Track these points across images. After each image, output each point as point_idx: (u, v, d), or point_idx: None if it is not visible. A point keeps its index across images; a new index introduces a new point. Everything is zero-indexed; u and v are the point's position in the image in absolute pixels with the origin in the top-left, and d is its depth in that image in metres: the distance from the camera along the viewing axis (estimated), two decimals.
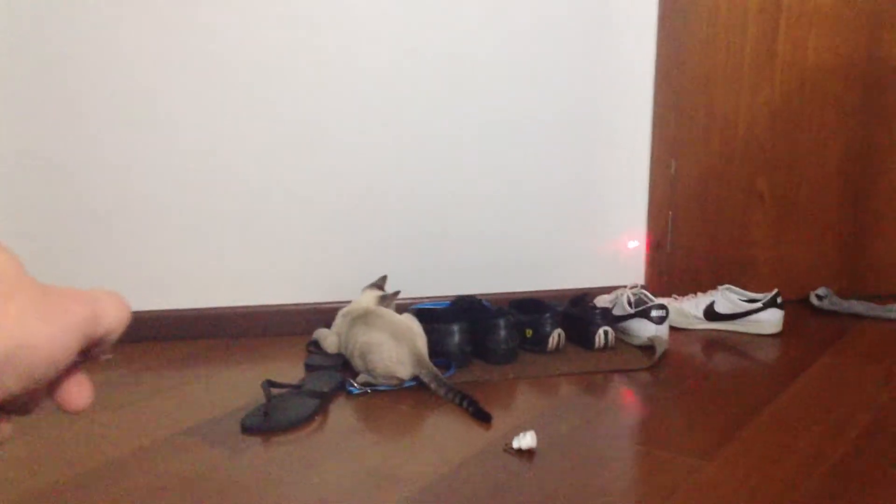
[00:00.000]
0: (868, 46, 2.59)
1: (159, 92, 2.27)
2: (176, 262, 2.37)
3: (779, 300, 2.39)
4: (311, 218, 2.41)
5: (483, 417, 1.76)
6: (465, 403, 1.80)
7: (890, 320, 2.52)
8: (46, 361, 0.37)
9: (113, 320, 0.41)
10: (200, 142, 2.32)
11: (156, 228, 2.34)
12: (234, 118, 2.32)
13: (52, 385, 0.41)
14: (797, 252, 2.71)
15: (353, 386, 1.94)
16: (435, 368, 1.93)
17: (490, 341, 2.12)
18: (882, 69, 2.61)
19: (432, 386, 1.89)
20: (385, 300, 2.16)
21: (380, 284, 2.27)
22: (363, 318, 2.03)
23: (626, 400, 1.91)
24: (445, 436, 1.69)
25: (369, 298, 2.16)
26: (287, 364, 2.17)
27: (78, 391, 0.41)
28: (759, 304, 2.39)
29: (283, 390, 1.88)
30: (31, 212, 2.27)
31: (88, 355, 0.42)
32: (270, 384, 1.83)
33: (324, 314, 2.38)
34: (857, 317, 2.56)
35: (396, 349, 1.93)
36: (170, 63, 2.26)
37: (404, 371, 1.92)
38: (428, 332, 2.05)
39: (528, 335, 2.20)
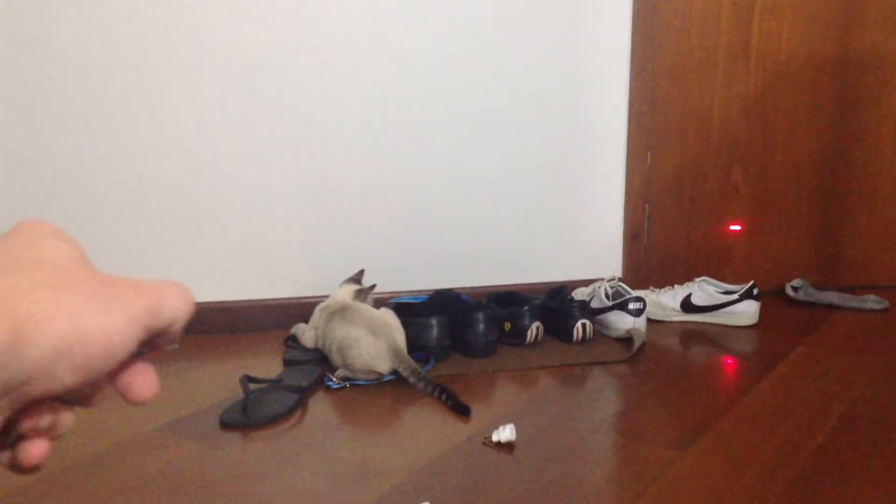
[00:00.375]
0: (841, 39, 2.61)
1: (144, 87, 2.26)
2: (154, 257, 2.35)
3: (755, 292, 2.41)
4: (290, 214, 2.40)
5: (462, 411, 1.76)
6: (444, 397, 1.81)
7: (864, 311, 2.55)
8: (104, 353, 0.36)
9: (175, 310, 0.40)
10: (176, 136, 2.30)
11: (134, 224, 2.32)
12: (208, 115, 2.30)
13: (115, 375, 0.40)
14: (772, 244, 2.74)
15: (331, 381, 1.94)
16: (414, 363, 1.93)
17: (469, 335, 2.12)
18: (854, 62, 2.64)
19: (411, 380, 1.89)
20: (361, 294, 2.16)
21: (357, 279, 2.27)
22: (340, 312, 2.03)
23: (604, 392, 1.92)
24: (424, 430, 1.70)
25: (346, 293, 2.16)
26: (265, 359, 2.16)
27: (143, 382, 0.41)
28: (735, 296, 2.40)
29: (262, 385, 1.87)
30: (7, 211, 2.25)
31: (152, 345, 0.41)
32: (249, 379, 1.83)
33: (302, 309, 2.37)
34: (833, 308, 2.59)
35: (374, 344, 1.93)
36: (158, 59, 2.24)
37: (383, 366, 1.92)
38: (406, 326, 2.05)
39: (507, 328, 2.21)
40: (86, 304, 0.36)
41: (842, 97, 2.66)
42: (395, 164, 2.44)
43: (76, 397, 0.39)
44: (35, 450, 0.39)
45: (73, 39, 2.19)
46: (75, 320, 0.35)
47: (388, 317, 2.02)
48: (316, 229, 2.43)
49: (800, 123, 2.66)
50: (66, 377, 0.35)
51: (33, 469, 0.39)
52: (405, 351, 1.96)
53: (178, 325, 0.41)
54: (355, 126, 2.40)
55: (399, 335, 1.99)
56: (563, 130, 2.54)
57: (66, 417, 0.39)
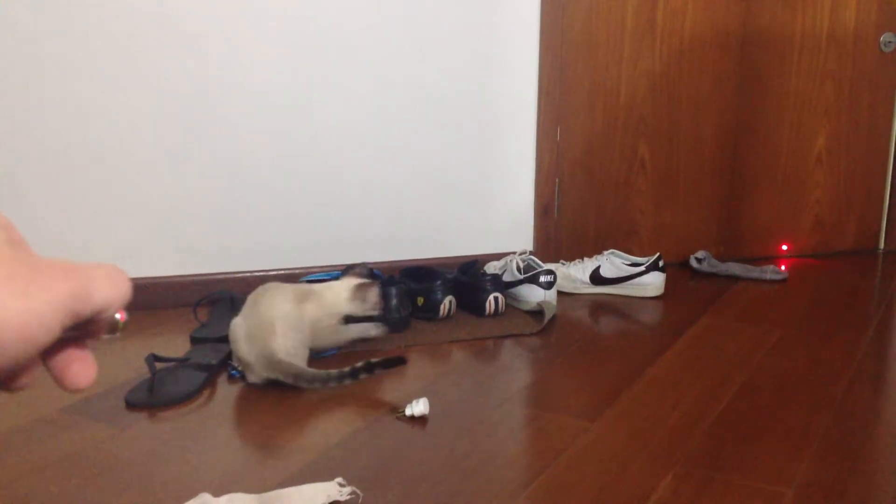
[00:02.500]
0: (742, 16, 2.68)
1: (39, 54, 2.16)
2: (59, 234, 2.26)
3: (661, 263, 2.47)
4: (198, 188, 2.34)
5: (396, 362, 1.75)
6: (361, 375, 1.75)
7: (764, 281, 2.64)
8: (22, 339, 0.34)
9: (106, 296, 0.38)
10: (82, 111, 2.21)
11: (38, 198, 2.23)
12: (118, 86, 2.22)
13: (48, 360, 0.38)
14: (677, 216, 2.81)
15: (234, 369, 1.85)
16: (295, 366, 1.73)
17: (382, 309, 2.11)
18: (755, 38, 2.71)
19: (301, 384, 1.72)
20: (362, 289, 1.91)
21: (360, 272, 2.02)
22: (252, 302, 1.82)
23: (516, 364, 1.94)
24: (337, 406, 1.68)
25: (343, 288, 1.91)
26: (173, 337, 2.11)
27: (79, 369, 0.39)
28: (642, 268, 2.46)
29: (169, 364, 1.83)
30: None
31: (87, 333, 0.39)
32: (155, 358, 1.78)
33: (209, 286, 2.32)
34: (734, 278, 2.67)
35: (246, 349, 1.75)
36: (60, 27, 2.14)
37: (252, 375, 1.77)
38: None
39: (420, 303, 2.21)
40: (2, 288, 0.34)
41: (743, 73, 2.74)
42: (307, 140, 2.40)
43: None
44: None
45: None
46: None
47: (276, 315, 1.75)
48: (226, 206, 2.37)
49: (703, 99, 2.73)
50: None
51: None
52: (282, 357, 1.73)
53: (111, 311, 0.39)
54: (269, 102, 2.35)
55: (276, 342, 1.73)
56: (474, 107, 2.54)
57: None
